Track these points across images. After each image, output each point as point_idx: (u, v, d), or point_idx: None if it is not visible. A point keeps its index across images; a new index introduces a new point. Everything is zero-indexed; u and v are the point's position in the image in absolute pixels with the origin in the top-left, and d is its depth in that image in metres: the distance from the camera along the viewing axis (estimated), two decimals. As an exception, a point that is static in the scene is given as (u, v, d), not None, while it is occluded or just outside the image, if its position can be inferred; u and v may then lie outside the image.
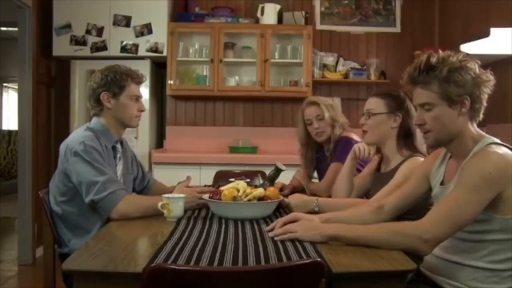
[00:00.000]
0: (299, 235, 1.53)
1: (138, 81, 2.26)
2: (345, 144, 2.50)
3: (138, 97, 2.26)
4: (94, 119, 2.24)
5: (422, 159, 1.98)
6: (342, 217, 1.74)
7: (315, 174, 2.93)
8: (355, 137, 2.63)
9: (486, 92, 1.55)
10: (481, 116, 1.58)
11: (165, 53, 4.30)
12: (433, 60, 1.54)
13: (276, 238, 1.56)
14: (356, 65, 4.65)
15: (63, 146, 2.11)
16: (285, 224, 1.64)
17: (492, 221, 1.46)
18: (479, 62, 1.57)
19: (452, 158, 1.64)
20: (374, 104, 2.12)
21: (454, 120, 1.55)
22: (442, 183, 1.64)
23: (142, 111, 2.30)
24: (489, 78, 1.56)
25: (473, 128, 1.58)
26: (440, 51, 1.58)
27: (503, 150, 1.48)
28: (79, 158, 2.02)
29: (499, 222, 1.45)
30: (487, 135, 1.57)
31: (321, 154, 2.80)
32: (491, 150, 1.48)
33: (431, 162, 1.74)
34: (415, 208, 1.75)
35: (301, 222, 1.60)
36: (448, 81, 1.52)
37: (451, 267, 1.54)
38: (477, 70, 1.54)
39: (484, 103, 1.57)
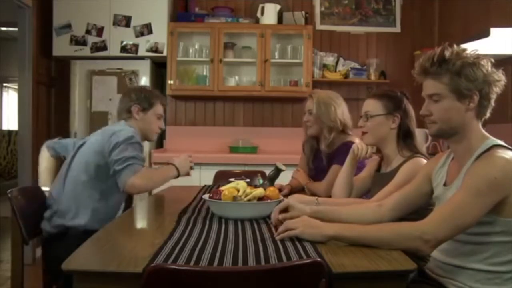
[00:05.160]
0: (299, 232, 1.53)
1: (164, 103, 2.66)
2: (349, 149, 2.46)
3: (161, 117, 2.62)
4: (126, 123, 2.52)
5: (423, 159, 1.99)
6: (338, 212, 1.75)
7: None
8: (358, 141, 2.62)
9: (495, 91, 1.56)
10: (487, 114, 1.58)
11: (165, 53, 4.30)
12: (447, 53, 1.55)
13: (277, 238, 1.56)
14: (356, 65, 4.65)
15: (107, 133, 2.39)
16: (281, 212, 1.72)
17: (495, 223, 1.45)
18: (493, 61, 1.57)
19: (455, 159, 1.64)
20: (372, 106, 2.12)
21: (461, 114, 1.55)
22: (444, 184, 1.64)
23: (162, 129, 2.66)
24: (501, 77, 1.56)
25: (479, 127, 1.58)
26: (455, 46, 1.58)
27: (509, 154, 1.47)
28: (124, 144, 2.31)
29: (502, 224, 1.45)
30: (492, 137, 1.56)
31: (317, 150, 2.80)
32: (497, 154, 1.47)
33: (433, 164, 1.74)
34: (416, 209, 1.75)
35: (302, 219, 1.60)
36: (459, 75, 1.53)
37: (453, 270, 1.54)
38: (490, 68, 1.55)
39: (492, 103, 1.57)
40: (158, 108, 2.59)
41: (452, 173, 1.62)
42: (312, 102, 2.69)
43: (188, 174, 2.57)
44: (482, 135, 1.57)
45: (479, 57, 1.55)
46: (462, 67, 1.53)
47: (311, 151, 2.83)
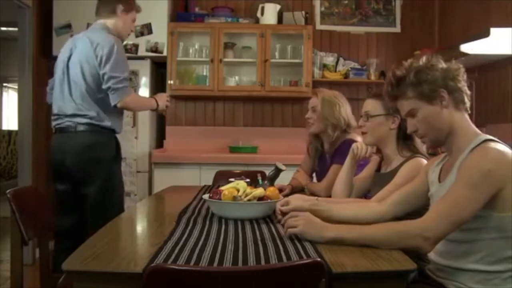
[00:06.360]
0: (299, 230, 1.54)
1: (138, 10, 3.13)
2: (349, 146, 2.47)
3: (134, 21, 3.10)
4: (103, 22, 2.89)
5: (423, 160, 1.99)
6: (337, 209, 1.79)
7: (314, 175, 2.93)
8: (359, 139, 2.62)
9: (460, 80, 1.60)
10: (467, 102, 1.61)
11: (165, 53, 4.30)
12: (399, 72, 1.63)
13: (286, 235, 1.56)
14: (356, 65, 4.65)
15: (89, 43, 2.75)
16: (282, 213, 1.80)
17: (488, 218, 1.46)
18: (441, 57, 1.63)
19: (449, 157, 1.66)
20: (372, 106, 2.12)
21: (439, 115, 1.58)
22: (439, 181, 1.65)
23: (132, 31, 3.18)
24: (458, 66, 1.61)
25: (466, 120, 1.61)
26: (404, 62, 1.65)
27: (501, 146, 1.49)
28: (113, 58, 2.71)
29: (495, 220, 1.46)
30: (482, 133, 1.58)
31: (322, 151, 2.80)
32: (490, 146, 1.49)
33: (431, 163, 1.76)
34: (416, 208, 1.75)
35: (303, 217, 1.60)
36: (419, 83, 1.58)
37: (453, 272, 1.55)
38: (443, 64, 1.60)
39: (465, 90, 1.60)
40: (135, 14, 3.06)
41: (446, 169, 1.63)
42: (317, 99, 2.70)
43: (164, 110, 3.09)
44: (473, 131, 1.59)
45: (428, 59, 1.61)
46: (417, 76, 1.58)
47: (316, 153, 2.82)
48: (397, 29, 4.78)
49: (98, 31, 2.86)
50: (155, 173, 4.10)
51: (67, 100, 2.81)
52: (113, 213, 2.64)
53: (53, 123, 2.90)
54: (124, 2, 2.95)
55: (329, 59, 4.66)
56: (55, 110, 2.88)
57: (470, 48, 3.29)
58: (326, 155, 2.74)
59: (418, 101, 1.59)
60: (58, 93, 2.86)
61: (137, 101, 2.93)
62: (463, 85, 1.60)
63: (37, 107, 4.20)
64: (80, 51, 2.79)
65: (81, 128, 2.77)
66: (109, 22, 2.91)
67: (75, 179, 2.81)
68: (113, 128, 2.86)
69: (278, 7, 4.51)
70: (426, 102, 1.58)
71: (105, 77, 2.71)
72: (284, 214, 1.85)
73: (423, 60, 1.61)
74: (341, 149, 2.57)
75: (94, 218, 2.74)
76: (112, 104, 2.76)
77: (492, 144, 1.50)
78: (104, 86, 2.73)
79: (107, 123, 2.81)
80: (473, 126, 1.61)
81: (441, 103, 1.58)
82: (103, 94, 2.78)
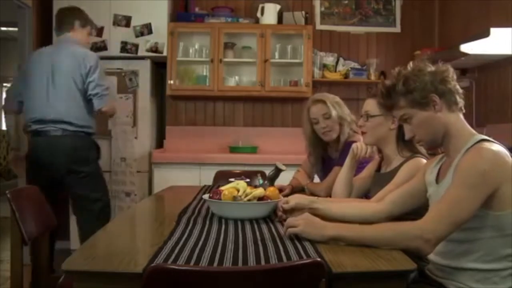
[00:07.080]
0: (299, 230, 1.54)
1: (93, 26, 3.56)
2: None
3: (89, 34, 3.46)
4: (70, 35, 3.22)
5: (423, 160, 1.99)
6: (336, 206, 1.83)
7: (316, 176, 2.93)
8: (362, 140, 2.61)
9: (450, 81, 1.59)
10: (461, 102, 1.61)
11: (165, 53, 4.29)
12: (388, 82, 1.64)
13: (286, 235, 1.56)
14: (356, 65, 4.65)
15: (76, 56, 3.06)
16: (284, 210, 1.84)
17: (485, 217, 1.47)
18: (428, 60, 1.64)
19: (446, 158, 1.66)
20: (371, 105, 2.12)
21: (434, 119, 1.59)
22: (437, 182, 1.65)
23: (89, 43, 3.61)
24: (446, 67, 1.61)
25: (461, 120, 1.61)
26: (393, 71, 1.66)
27: (496, 146, 1.50)
28: (98, 68, 3.08)
29: (492, 219, 1.46)
30: (477, 133, 1.59)
31: (325, 155, 2.78)
32: (484, 146, 1.50)
33: (429, 163, 1.77)
34: (415, 208, 1.75)
35: (302, 217, 1.60)
36: (409, 91, 1.59)
37: (452, 272, 1.55)
38: (430, 68, 1.60)
39: (456, 90, 1.60)
40: (89, 28, 3.40)
41: (444, 170, 1.64)
42: (326, 106, 2.63)
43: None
44: (468, 132, 1.60)
45: (415, 64, 1.61)
46: (406, 84, 1.59)
47: (318, 160, 2.78)
48: (397, 29, 4.78)
49: (74, 45, 3.18)
50: (155, 173, 4.11)
51: (53, 106, 3.03)
52: (103, 210, 3.05)
53: (34, 127, 3.08)
54: (80, 17, 3.29)
55: (329, 59, 4.66)
56: (37, 116, 3.06)
57: (470, 48, 3.29)
58: (332, 157, 2.72)
59: (411, 109, 1.61)
60: (43, 101, 3.05)
61: (113, 106, 3.28)
62: (454, 85, 1.60)
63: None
64: (69, 63, 3.07)
65: (66, 133, 3.03)
66: (71, 35, 3.22)
67: (60, 179, 3.04)
68: (94, 132, 3.19)
69: (278, 7, 4.51)
70: (419, 109, 1.59)
71: (92, 84, 3.05)
72: (285, 211, 1.85)
73: (410, 66, 1.62)
74: (344, 150, 2.54)
75: (82, 217, 3.05)
76: (97, 108, 3.09)
77: (487, 144, 1.50)
78: (91, 92, 3.05)
79: (90, 129, 3.14)
80: (468, 126, 1.62)
81: (434, 108, 1.58)
82: (87, 101, 3.09)
